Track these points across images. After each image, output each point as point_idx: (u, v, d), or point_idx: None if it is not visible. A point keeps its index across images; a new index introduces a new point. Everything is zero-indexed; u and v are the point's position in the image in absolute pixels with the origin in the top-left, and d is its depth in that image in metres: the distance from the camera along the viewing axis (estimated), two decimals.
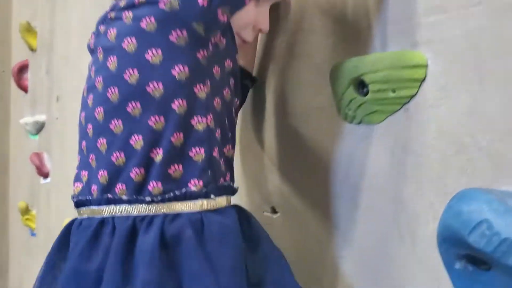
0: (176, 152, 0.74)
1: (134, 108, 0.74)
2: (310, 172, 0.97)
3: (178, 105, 0.74)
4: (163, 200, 0.74)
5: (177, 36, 0.73)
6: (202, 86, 0.76)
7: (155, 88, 0.73)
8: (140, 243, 0.71)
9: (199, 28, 0.74)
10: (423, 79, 0.75)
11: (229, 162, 0.85)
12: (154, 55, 0.73)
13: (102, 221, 0.75)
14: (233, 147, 0.87)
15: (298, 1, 1.01)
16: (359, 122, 0.85)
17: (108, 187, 0.75)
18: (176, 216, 0.73)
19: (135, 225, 0.73)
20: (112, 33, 0.76)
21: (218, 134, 0.80)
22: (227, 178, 0.82)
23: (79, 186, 0.80)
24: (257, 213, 1.09)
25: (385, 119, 0.81)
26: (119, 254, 0.71)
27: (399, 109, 0.79)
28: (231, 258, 0.73)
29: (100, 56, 0.78)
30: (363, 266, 0.86)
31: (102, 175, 0.76)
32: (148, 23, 0.73)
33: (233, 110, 0.88)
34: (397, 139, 0.80)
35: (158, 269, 0.70)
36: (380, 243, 0.82)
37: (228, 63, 0.83)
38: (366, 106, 0.82)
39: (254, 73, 1.07)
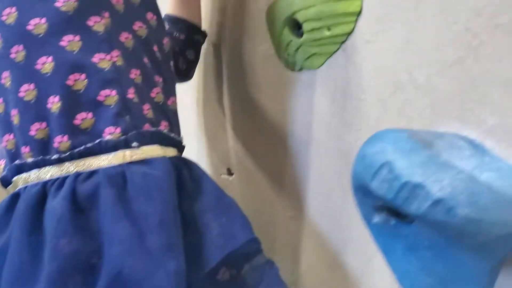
0: (77, 97, 0.63)
1: (17, 52, 0.63)
2: (259, 130, 0.89)
3: (68, 42, 0.63)
4: (72, 157, 0.63)
5: None
6: (98, 19, 0.65)
7: (38, 24, 0.63)
8: (49, 209, 0.61)
9: None
10: (359, 12, 0.66)
11: (164, 111, 0.73)
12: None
13: (18, 194, 0.64)
14: (173, 96, 0.76)
15: None
16: (300, 68, 0.76)
17: (15, 154, 0.66)
18: (92, 173, 0.62)
19: (45, 190, 0.63)
20: None
21: (135, 75, 0.69)
22: (161, 127, 0.71)
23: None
24: (215, 176, 1.03)
25: (324, 62, 0.72)
26: (25, 224, 0.61)
27: (337, 49, 0.70)
28: (159, 213, 0.61)
29: None
30: (311, 226, 0.79)
31: (8, 140, 0.66)
32: None
33: (166, 53, 0.77)
34: (337, 84, 0.71)
35: (69, 237, 0.60)
36: (326, 200, 0.75)
37: None
38: (304, 49, 0.73)
39: (202, 27, 0.98)
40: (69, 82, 0.63)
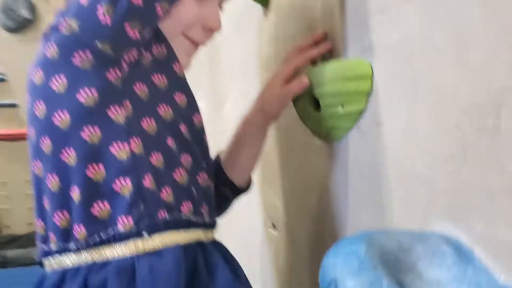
0: (96, 187, 0.64)
1: (45, 144, 0.66)
2: (293, 191, 0.90)
3: (89, 134, 0.64)
4: (88, 246, 0.64)
5: (80, 59, 0.64)
6: (118, 109, 0.65)
7: (62, 119, 0.65)
8: None
9: (105, 47, 0.64)
10: (370, 92, 0.65)
11: (189, 191, 0.70)
12: (58, 83, 0.65)
13: (44, 276, 0.68)
14: (204, 173, 0.73)
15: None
16: (326, 138, 0.76)
17: (45, 237, 0.68)
18: (104, 265, 0.63)
19: (63, 279, 0.65)
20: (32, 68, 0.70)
21: (156, 160, 0.67)
22: (183, 208, 0.69)
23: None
24: (263, 228, 1.05)
25: (343, 136, 0.71)
26: None
27: (353, 126, 0.69)
28: None
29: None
30: None
31: (39, 225, 0.69)
32: (51, 51, 0.66)
33: (198, 130, 0.75)
34: (354, 160, 0.70)
35: None
36: None
37: (160, 78, 0.71)
38: (323, 122, 0.73)
39: None
40: (89, 173, 0.64)
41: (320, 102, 0.71)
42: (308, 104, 0.73)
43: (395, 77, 0.60)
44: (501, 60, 0.45)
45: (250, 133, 0.82)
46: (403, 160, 0.59)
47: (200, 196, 0.72)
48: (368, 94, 0.65)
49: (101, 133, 0.65)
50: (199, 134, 0.75)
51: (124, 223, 0.64)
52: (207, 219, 0.72)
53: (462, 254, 0.49)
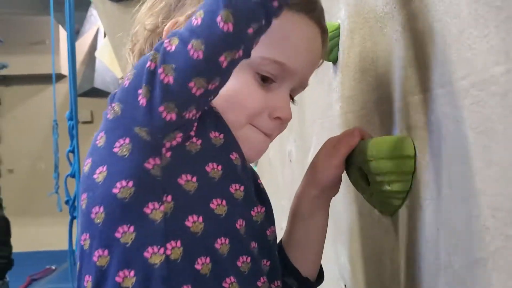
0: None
1: (85, 240, 0.60)
2: (359, 258, 0.87)
3: (122, 233, 0.57)
4: None
5: (119, 146, 0.57)
6: (157, 205, 0.57)
7: (97, 213, 0.58)
8: None
9: (141, 132, 0.57)
10: (413, 172, 0.62)
11: None
12: (100, 173, 0.59)
13: None
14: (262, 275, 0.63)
15: None
16: (380, 211, 0.73)
17: None
18: None
19: None
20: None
21: (201, 265, 0.58)
22: None
23: None
24: None
25: (394, 213, 0.68)
26: None
27: (402, 204, 0.66)
28: None
29: None
30: None
31: None
32: (99, 138, 0.60)
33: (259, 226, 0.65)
34: (401, 240, 0.66)
35: None
36: None
37: (214, 167, 0.60)
38: (374, 197, 0.70)
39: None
40: (118, 279, 0.57)
41: (368, 177, 0.68)
42: (360, 178, 0.71)
43: (434, 158, 0.57)
44: None
45: (306, 209, 0.74)
46: (440, 253, 0.56)
47: None
48: (411, 174, 0.62)
49: (135, 232, 0.57)
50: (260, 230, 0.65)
51: None
52: None
53: None
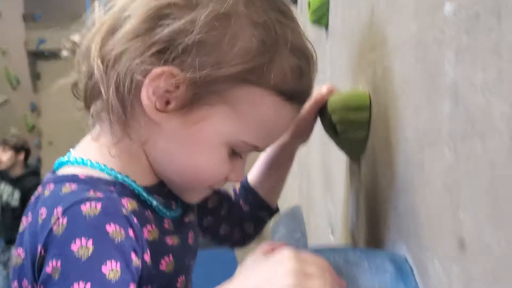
0: None
1: None
2: (339, 202, 0.98)
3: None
4: None
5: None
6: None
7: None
8: None
9: None
10: (369, 121, 0.73)
11: None
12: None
13: None
14: None
15: None
16: (350, 157, 0.84)
17: None
18: None
19: None
20: None
21: None
22: None
23: None
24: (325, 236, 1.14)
25: (359, 157, 0.79)
26: None
27: (363, 149, 0.77)
28: None
29: None
30: None
31: None
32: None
33: None
34: (364, 180, 0.77)
35: None
36: None
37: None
38: (342, 145, 0.82)
39: None
40: None
41: (337, 127, 0.79)
42: (330, 128, 0.82)
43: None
44: None
45: (280, 156, 0.86)
46: None
47: None
48: (368, 122, 0.73)
49: None
50: None
51: None
52: None
53: (402, 272, 0.56)
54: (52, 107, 7.31)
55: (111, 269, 0.55)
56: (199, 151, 0.65)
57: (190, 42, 0.60)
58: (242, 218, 0.87)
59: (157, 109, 0.62)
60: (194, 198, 0.72)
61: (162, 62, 0.60)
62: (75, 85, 0.69)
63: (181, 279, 0.69)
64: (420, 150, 0.53)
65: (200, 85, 0.61)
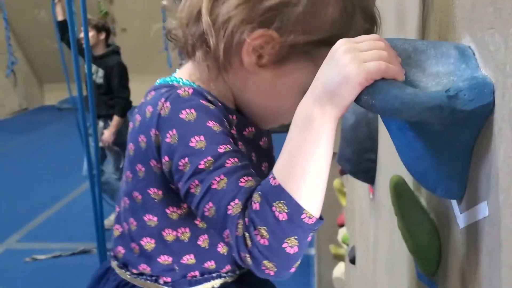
0: (145, 254, 0.87)
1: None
2: None
3: (148, 220, 0.85)
4: (135, 277, 0.90)
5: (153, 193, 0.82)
6: (175, 209, 0.83)
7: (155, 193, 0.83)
8: None
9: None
10: None
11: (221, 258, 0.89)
12: (140, 170, 0.83)
13: (107, 268, 0.96)
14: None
15: None
16: None
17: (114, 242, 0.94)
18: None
19: (118, 286, 0.92)
20: None
21: (201, 242, 0.87)
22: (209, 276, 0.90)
23: None
24: None
25: None
26: None
27: None
28: None
29: None
30: None
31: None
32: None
33: None
34: None
35: None
36: None
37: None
38: None
39: None
40: (142, 243, 0.87)
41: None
42: None
43: None
44: None
45: None
46: None
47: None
48: None
49: (157, 220, 0.85)
50: None
51: (165, 281, 0.90)
52: None
53: (464, 55, 0.63)
54: None
55: (213, 125, 0.74)
56: (282, 97, 0.82)
57: (291, 11, 0.75)
58: None
59: (253, 63, 0.78)
60: (267, 126, 0.90)
61: (264, 26, 0.75)
62: (169, 31, 0.86)
63: (265, 165, 0.89)
64: None
65: (292, 47, 0.76)
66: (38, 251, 3.49)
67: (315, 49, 0.76)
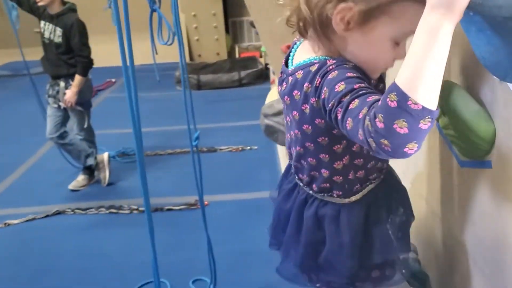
0: (326, 178, 1.23)
1: (309, 146, 1.20)
2: None
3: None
4: (319, 193, 1.27)
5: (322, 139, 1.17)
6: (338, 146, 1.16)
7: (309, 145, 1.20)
8: (306, 213, 1.29)
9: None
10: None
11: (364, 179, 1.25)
12: (307, 128, 1.16)
13: (296, 184, 1.33)
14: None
15: None
16: None
17: (296, 171, 1.32)
18: (326, 203, 1.26)
19: (306, 198, 1.29)
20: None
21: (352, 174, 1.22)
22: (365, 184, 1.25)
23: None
24: None
25: None
26: (296, 213, 1.31)
27: None
28: (348, 236, 1.24)
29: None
30: None
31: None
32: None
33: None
34: None
35: (311, 231, 1.29)
36: None
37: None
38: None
39: None
40: (336, 165, 1.23)
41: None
42: None
43: None
44: None
45: None
46: None
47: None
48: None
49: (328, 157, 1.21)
50: None
51: (337, 194, 1.27)
52: None
53: None
54: None
55: (351, 75, 1.00)
56: (374, 48, 1.05)
57: None
58: None
59: (343, 29, 1.03)
60: (375, 76, 1.13)
61: (342, 0, 1.00)
62: (288, 20, 1.16)
63: None
64: None
65: (369, 10, 0.98)
66: (10, 216, 3.42)
67: (389, 6, 0.98)
